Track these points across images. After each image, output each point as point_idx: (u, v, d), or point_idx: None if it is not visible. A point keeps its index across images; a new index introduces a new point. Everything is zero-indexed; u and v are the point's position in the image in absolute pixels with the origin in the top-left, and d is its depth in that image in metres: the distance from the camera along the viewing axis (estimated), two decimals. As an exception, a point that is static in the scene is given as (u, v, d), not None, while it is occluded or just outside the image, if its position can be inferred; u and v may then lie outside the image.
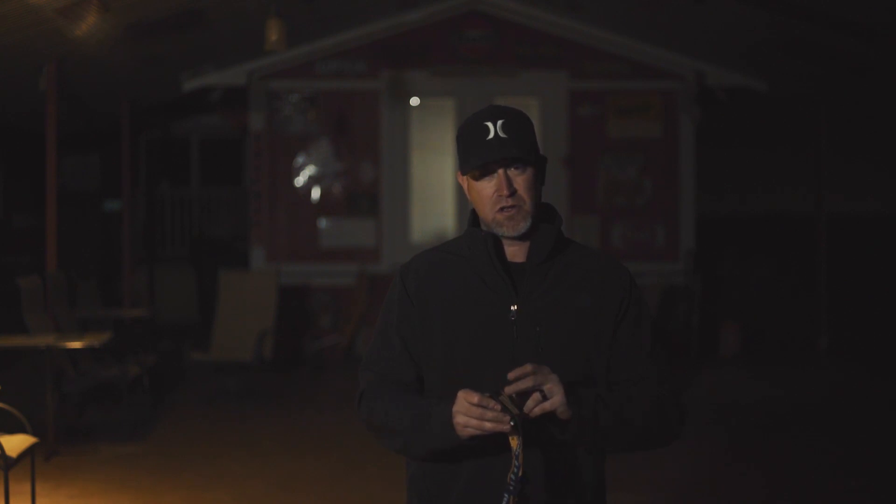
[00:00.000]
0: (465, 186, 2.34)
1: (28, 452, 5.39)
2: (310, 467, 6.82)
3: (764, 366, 10.85)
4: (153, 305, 12.52)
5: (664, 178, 11.28)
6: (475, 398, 2.07)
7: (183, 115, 14.37)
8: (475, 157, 2.25)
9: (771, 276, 12.74)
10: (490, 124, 2.25)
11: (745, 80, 11.15)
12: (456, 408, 2.10)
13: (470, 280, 2.31)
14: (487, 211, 2.28)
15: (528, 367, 2.10)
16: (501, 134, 2.24)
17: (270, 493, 6.25)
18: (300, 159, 11.18)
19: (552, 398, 2.10)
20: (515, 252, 2.32)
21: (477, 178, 2.28)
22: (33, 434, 5.54)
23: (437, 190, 11.36)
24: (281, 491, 6.29)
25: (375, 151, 11.20)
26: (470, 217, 2.38)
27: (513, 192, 2.24)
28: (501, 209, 2.25)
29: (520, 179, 2.25)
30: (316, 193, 11.19)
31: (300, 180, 11.19)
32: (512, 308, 2.26)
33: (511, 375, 2.09)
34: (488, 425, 2.07)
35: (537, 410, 2.10)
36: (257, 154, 11.18)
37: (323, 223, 11.19)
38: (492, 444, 2.16)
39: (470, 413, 2.08)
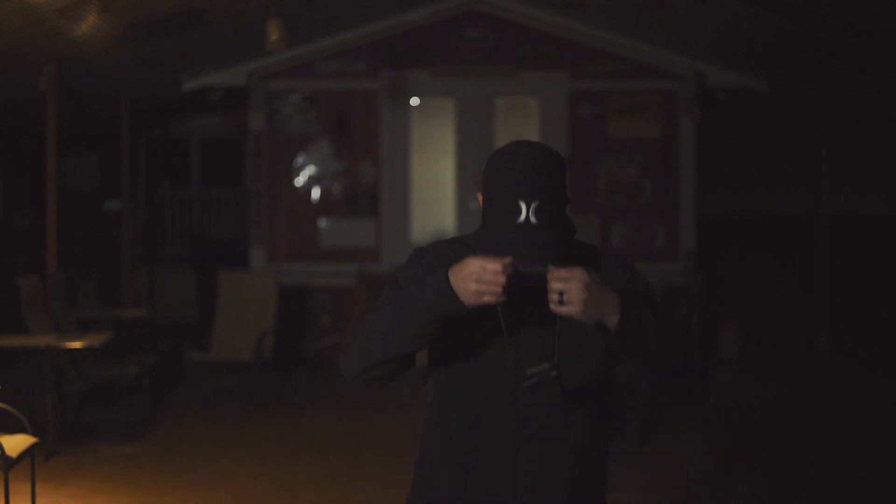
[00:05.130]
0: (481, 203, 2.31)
1: (28, 452, 5.39)
2: (310, 467, 6.82)
3: (764, 366, 10.85)
4: (153, 305, 12.53)
5: (664, 178, 11.27)
6: (500, 266, 2.05)
7: (183, 115, 14.37)
8: (502, 247, 2.14)
9: (771, 276, 12.73)
10: (523, 204, 2.15)
11: (745, 80, 11.14)
12: (474, 273, 2.07)
13: None
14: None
15: (563, 273, 2.07)
16: (533, 220, 2.15)
17: (270, 493, 6.25)
18: (300, 159, 11.18)
19: (568, 306, 2.07)
20: None
21: None
22: (33, 434, 5.54)
23: (437, 190, 11.36)
24: (281, 491, 6.29)
25: (375, 151, 11.19)
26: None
27: None
28: None
29: None
30: (316, 193, 11.18)
31: (300, 180, 11.18)
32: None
33: (552, 275, 2.07)
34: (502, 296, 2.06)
35: (554, 308, 2.09)
36: (257, 154, 11.18)
37: (323, 223, 11.19)
38: (493, 403, 2.21)
39: (493, 280, 2.05)
